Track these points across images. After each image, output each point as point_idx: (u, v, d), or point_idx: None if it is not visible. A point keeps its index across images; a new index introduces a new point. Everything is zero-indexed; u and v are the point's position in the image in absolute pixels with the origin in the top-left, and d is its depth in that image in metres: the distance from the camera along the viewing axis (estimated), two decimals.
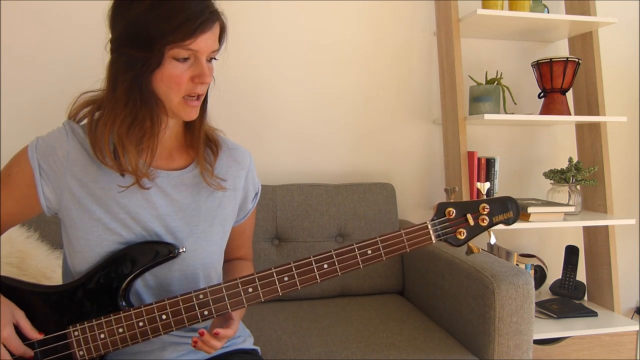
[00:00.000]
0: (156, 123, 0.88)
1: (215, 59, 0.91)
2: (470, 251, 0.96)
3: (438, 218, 0.95)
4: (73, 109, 0.92)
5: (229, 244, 1.05)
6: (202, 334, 0.86)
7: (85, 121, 0.92)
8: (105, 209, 0.90)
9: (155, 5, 0.81)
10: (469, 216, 0.95)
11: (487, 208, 0.95)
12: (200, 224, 0.96)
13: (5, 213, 0.91)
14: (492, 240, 0.97)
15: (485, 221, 0.95)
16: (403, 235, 0.93)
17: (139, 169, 0.88)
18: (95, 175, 0.90)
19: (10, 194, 0.90)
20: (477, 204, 0.95)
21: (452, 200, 0.96)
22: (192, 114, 0.90)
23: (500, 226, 0.97)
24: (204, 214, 0.97)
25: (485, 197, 0.97)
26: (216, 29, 0.86)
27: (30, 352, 0.86)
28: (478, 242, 0.97)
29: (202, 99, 0.91)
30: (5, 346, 0.84)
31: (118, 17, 0.84)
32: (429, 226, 0.94)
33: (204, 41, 0.83)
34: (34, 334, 0.86)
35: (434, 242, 0.94)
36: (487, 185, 0.97)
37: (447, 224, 0.95)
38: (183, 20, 0.81)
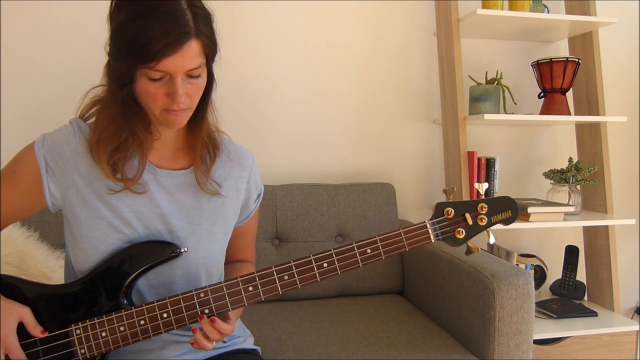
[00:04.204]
0: (141, 130, 0.88)
1: (210, 66, 0.88)
2: (469, 251, 0.96)
3: (436, 218, 0.95)
4: (83, 107, 0.93)
5: (232, 245, 1.06)
6: (194, 331, 0.86)
7: (92, 120, 0.93)
8: (110, 207, 0.90)
9: (123, 24, 0.78)
10: (467, 216, 0.95)
11: (485, 207, 0.95)
12: (203, 223, 0.96)
13: (10, 208, 0.92)
14: (492, 240, 0.97)
15: (483, 221, 0.95)
16: (402, 234, 0.93)
17: (125, 174, 0.89)
18: (100, 174, 0.90)
19: (15, 189, 0.91)
20: (476, 204, 0.95)
21: (450, 200, 0.96)
22: (176, 124, 0.87)
23: (500, 226, 0.97)
24: (207, 214, 0.97)
25: (483, 197, 0.97)
26: (189, 49, 0.79)
27: None
28: (477, 243, 0.97)
29: (188, 110, 0.87)
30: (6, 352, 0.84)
31: (108, 24, 0.83)
32: (428, 226, 0.94)
33: (172, 63, 0.78)
34: (37, 332, 0.87)
35: (432, 241, 0.94)
36: (486, 185, 0.97)
37: (446, 223, 0.95)
38: (144, 42, 0.76)
